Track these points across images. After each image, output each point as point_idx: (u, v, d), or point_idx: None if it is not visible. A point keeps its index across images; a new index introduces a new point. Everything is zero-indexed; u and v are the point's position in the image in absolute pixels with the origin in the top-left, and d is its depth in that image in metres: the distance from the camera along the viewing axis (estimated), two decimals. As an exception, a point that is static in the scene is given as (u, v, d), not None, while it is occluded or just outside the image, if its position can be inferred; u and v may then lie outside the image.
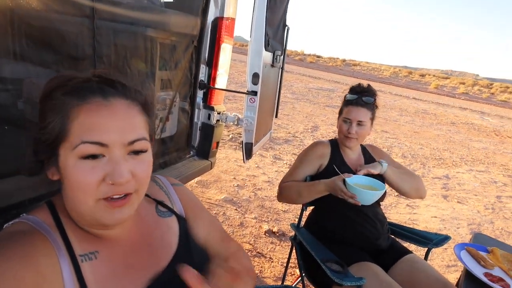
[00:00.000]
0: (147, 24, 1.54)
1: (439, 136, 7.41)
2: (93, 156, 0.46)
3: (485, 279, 0.84)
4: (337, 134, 1.42)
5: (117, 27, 1.36)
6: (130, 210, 0.51)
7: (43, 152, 0.50)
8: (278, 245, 2.11)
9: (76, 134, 0.46)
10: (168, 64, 1.73)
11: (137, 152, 0.50)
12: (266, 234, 2.20)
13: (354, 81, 1.56)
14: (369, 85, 1.37)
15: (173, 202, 0.68)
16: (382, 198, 1.30)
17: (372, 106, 1.33)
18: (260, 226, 2.30)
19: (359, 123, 1.30)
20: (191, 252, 0.63)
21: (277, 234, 2.23)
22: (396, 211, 3.06)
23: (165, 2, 2.03)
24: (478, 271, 0.87)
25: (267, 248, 2.05)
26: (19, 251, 0.44)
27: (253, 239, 2.12)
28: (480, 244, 1.03)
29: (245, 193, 2.79)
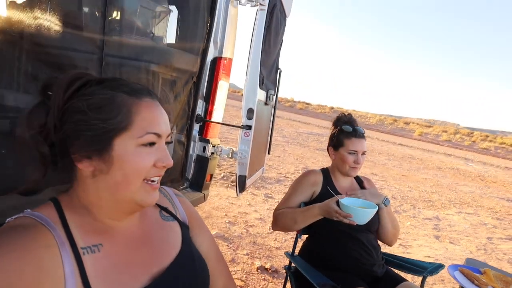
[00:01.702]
0: (150, 60, 1.66)
1: (427, 179, 7.55)
2: (151, 144, 0.55)
3: (480, 297, 0.85)
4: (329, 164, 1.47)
5: (122, 62, 1.47)
6: (158, 195, 0.59)
7: (92, 144, 0.52)
8: (271, 282, 2.03)
9: (140, 126, 0.54)
10: (168, 98, 1.82)
11: (167, 143, 0.59)
12: (258, 270, 2.13)
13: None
14: (350, 114, 1.48)
15: (177, 210, 0.71)
16: (375, 225, 1.32)
17: (365, 136, 1.42)
18: (252, 262, 2.23)
19: (363, 153, 1.38)
20: (194, 256, 0.64)
21: (270, 270, 2.16)
22: (389, 250, 3.00)
23: (167, 43, 2.20)
24: (473, 290, 0.88)
25: (260, 285, 1.97)
26: (20, 245, 0.45)
27: (245, 276, 2.04)
28: (472, 266, 1.05)
29: (237, 229, 2.73)
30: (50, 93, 0.54)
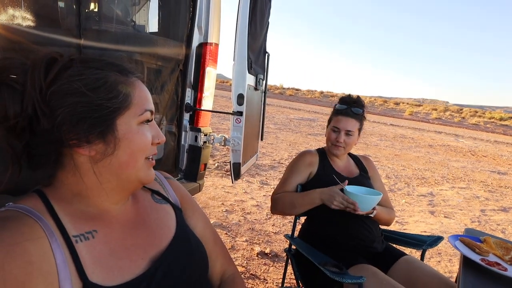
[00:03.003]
0: (132, 50, 1.60)
1: (419, 157, 7.66)
2: (147, 121, 0.56)
3: (483, 264, 0.85)
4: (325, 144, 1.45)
5: (103, 53, 1.40)
6: (153, 171, 0.60)
7: (95, 126, 0.50)
8: (272, 266, 2.03)
9: (138, 104, 0.54)
10: (155, 88, 1.76)
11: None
12: (259, 256, 2.13)
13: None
14: (358, 96, 1.41)
15: (168, 193, 0.69)
16: None
17: (360, 117, 1.36)
18: (252, 248, 2.23)
19: (347, 133, 1.33)
20: (189, 237, 0.63)
21: (270, 255, 2.16)
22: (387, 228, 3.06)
23: (150, 32, 2.12)
24: (475, 258, 0.88)
25: (261, 270, 1.97)
26: (4, 240, 0.42)
27: (245, 262, 2.04)
28: (472, 235, 1.05)
29: (234, 217, 2.72)
30: (14, 76, 0.48)
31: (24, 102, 0.47)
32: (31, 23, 1.13)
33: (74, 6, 1.31)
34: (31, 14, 1.12)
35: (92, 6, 1.56)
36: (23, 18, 1.10)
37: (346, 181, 1.21)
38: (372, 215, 1.25)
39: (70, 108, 0.48)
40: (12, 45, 1.05)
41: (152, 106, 0.57)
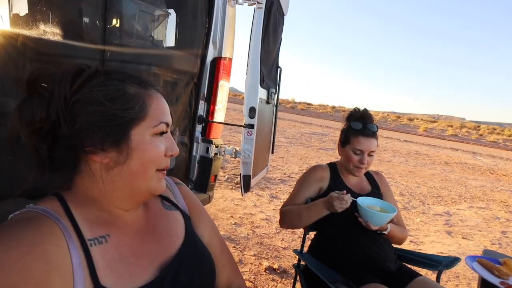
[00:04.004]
0: (151, 63, 1.66)
1: (435, 175, 7.45)
2: (162, 133, 0.57)
3: (503, 287, 0.81)
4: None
5: (123, 66, 1.46)
6: (165, 183, 0.61)
7: (110, 135, 0.52)
8: (280, 283, 1.99)
9: (154, 116, 0.55)
10: (170, 99, 1.81)
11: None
12: (267, 271, 2.09)
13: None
14: (365, 109, 1.39)
15: (177, 199, 0.70)
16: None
17: (377, 135, 1.34)
18: (260, 263, 2.19)
19: (370, 154, 1.30)
20: (197, 245, 0.63)
21: (278, 271, 2.12)
22: (400, 246, 2.95)
23: (167, 46, 2.19)
24: (494, 281, 0.84)
25: (268, 286, 1.93)
26: (26, 239, 0.44)
27: (253, 276, 2.00)
28: (491, 257, 1.00)
29: (243, 230, 2.70)
30: (45, 84, 0.51)
31: (50, 108, 0.50)
32: (58, 37, 1.19)
33: (98, 22, 1.39)
34: (59, 29, 1.19)
35: (114, 21, 1.64)
36: (51, 33, 1.17)
37: (344, 191, 1.17)
38: (386, 232, 1.22)
39: (89, 116, 0.50)
40: (41, 57, 1.11)
41: (168, 119, 0.58)
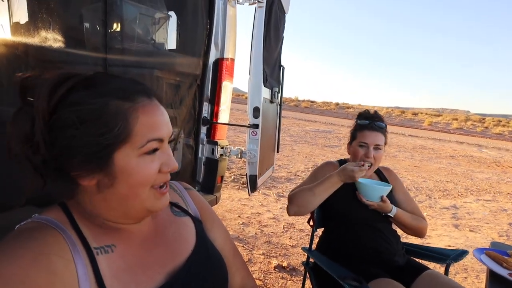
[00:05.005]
0: (153, 66, 1.67)
1: (440, 169, 7.40)
2: (154, 150, 0.51)
3: (511, 279, 0.81)
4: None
5: (126, 70, 1.48)
6: (168, 198, 0.56)
7: (90, 161, 0.47)
8: (290, 280, 2.00)
9: (140, 134, 0.49)
10: (173, 102, 1.82)
11: (170, 142, 0.56)
12: (276, 269, 2.10)
13: (349, 123, 1.59)
14: (375, 111, 1.39)
15: (188, 204, 0.69)
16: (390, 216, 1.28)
17: (385, 132, 1.34)
18: (269, 261, 2.20)
19: (376, 147, 1.29)
20: (209, 250, 0.63)
21: (288, 269, 2.13)
22: (407, 241, 2.95)
23: (169, 49, 2.21)
24: (503, 272, 0.85)
25: (278, 284, 1.94)
26: (30, 249, 0.43)
27: (262, 275, 2.02)
28: (499, 249, 1.01)
29: (251, 230, 2.71)
30: (31, 99, 0.47)
31: (34, 126, 0.46)
32: (59, 44, 1.20)
33: (99, 28, 1.40)
34: (59, 36, 1.20)
35: (115, 26, 1.66)
36: (52, 40, 1.18)
37: (362, 162, 1.22)
38: (391, 214, 1.23)
39: (66, 140, 0.46)
40: (42, 64, 1.13)
41: (161, 133, 0.51)
